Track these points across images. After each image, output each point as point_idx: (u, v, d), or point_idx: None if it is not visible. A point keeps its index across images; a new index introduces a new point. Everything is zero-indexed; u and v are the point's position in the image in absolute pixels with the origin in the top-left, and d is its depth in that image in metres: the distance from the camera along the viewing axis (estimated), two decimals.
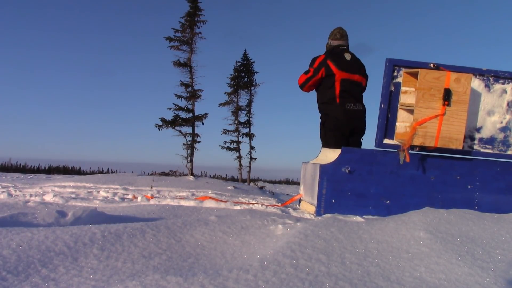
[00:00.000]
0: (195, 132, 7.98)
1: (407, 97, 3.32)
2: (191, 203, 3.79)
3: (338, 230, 2.23)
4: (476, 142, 3.44)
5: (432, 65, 3.26)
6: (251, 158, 10.05)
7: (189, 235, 2.24)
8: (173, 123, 7.86)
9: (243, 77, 10.30)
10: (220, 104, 10.20)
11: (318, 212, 3.29)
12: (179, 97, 8.10)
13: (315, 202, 3.37)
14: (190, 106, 8.07)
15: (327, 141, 4.12)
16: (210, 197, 4.18)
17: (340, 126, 3.97)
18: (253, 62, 10.45)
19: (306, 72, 4.12)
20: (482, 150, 3.44)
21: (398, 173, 3.37)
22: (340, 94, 3.96)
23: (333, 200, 3.32)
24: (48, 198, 4.01)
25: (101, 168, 17.04)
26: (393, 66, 3.33)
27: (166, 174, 7.40)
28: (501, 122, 3.44)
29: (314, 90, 4.21)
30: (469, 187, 3.41)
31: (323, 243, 2.00)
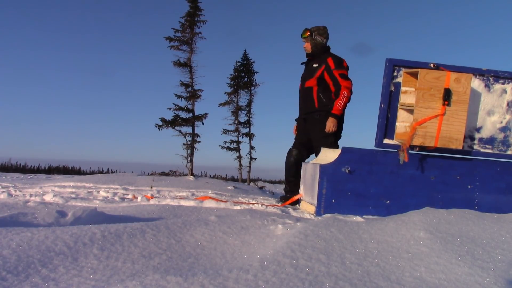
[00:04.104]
0: (195, 132, 7.98)
1: (407, 97, 3.32)
2: (191, 203, 3.78)
3: (338, 230, 2.23)
4: (476, 142, 3.44)
5: (432, 65, 3.26)
6: (251, 158, 10.06)
7: (189, 235, 2.24)
8: (173, 123, 7.86)
9: (243, 77, 10.31)
10: (220, 104, 10.21)
11: (318, 212, 3.29)
12: (179, 97, 8.10)
13: (315, 202, 3.37)
14: (190, 106, 8.07)
15: (336, 142, 4.20)
16: (210, 197, 4.18)
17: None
18: (253, 62, 10.46)
19: (347, 75, 4.16)
20: (482, 150, 3.44)
21: (398, 173, 3.37)
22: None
23: (333, 200, 3.32)
24: (48, 198, 4.00)
25: (101, 168, 17.06)
26: (393, 66, 3.34)
27: (166, 174, 7.39)
28: (501, 122, 3.44)
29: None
30: (469, 187, 3.41)
31: (323, 243, 2.00)
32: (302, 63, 4.51)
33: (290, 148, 4.53)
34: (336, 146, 4.14)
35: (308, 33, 4.27)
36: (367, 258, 1.86)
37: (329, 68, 4.13)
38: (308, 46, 4.31)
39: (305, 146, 4.43)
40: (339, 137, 4.26)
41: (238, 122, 10.16)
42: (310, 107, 4.25)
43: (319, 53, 4.28)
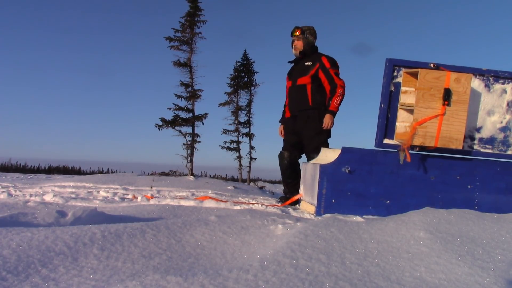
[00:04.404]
0: (195, 132, 7.98)
1: (407, 97, 3.32)
2: (191, 203, 3.78)
3: (338, 230, 2.23)
4: (476, 142, 3.44)
5: (432, 65, 3.26)
6: (251, 158, 10.05)
7: (189, 235, 2.24)
8: (173, 123, 7.86)
9: (243, 77, 10.30)
10: (220, 104, 10.20)
11: (318, 212, 3.29)
12: (179, 97, 8.10)
13: (315, 202, 3.37)
14: (190, 106, 8.07)
15: (327, 141, 4.21)
16: (210, 197, 4.18)
17: None
18: (253, 62, 10.46)
19: (340, 74, 4.24)
20: (482, 150, 3.44)
21: (398, 173, 3.37)
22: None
23: (333, 200, 3.32)
24: (48, 198, 4.00)
25: (101, 168, 17.05)
26: (393, 66, 3.34)
27: (166, 174, 7.39)
28: (501, 122, 3.44)
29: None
30: (469, 187, 3.41)
31: (323, 243, 2.00)
32: (290, 62, 4.50)
33: (281, 151, 4.48)
34: (327, 145, 4.18)
35: (300, 32, 4.29)
36: (367, 258, 1.86)
37: (324, 67, 4.17)
38: (299, 44, 4.30)
39: (295, 146, 4.39)
40: (330, 135, 4.29)
41: (238, 122, 10.16)
42: (303, 104, 4.24)
43: (310, 52, 4.31)
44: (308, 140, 4.24)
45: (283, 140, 4.53)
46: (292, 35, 4.34)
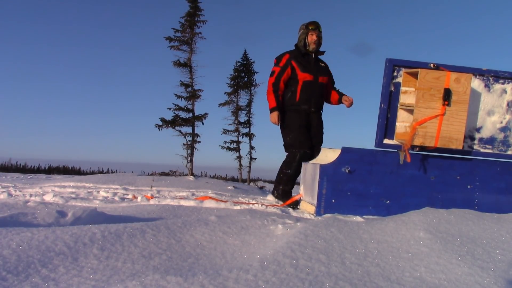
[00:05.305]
0: (195, 132, 7.99)
1: (407, 97, 3.32)
2: (191, 203, 3.78)
3: (338, 230, 2.23)
4: (476, 142, 3.44)
5: (432, 65, 3.26)
6: (251, 158, 10.07)
7: (189, 235, 2.24)
8: (173, 123, 7.87)
9: (243, 77, 10.33)
10: (220, 104, 10.23)
11: (318, 212, 3.29)
12: (179, 97, 8.11)
13: (315, 202, 3.37)
14: (190, 106, 8.09)
15: None
16: (210, 197, 4.18)
17: None
18: (253, 62, 10.48)
19: None
20: (482, 150, 3.44)
21: (398, 173, 3.37)
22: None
23: (333, 200, 3.32)
24: (48, 198, 4.00)
25: (101, 168, 17.09)
26: (393, 66, 3.34)
27: (166, 174, 7.40)
28: (501, 122, 3.44)
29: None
30: (469, 187, 3.41)
31: (323, 243, 2.00)
32: (304, 54, 4.23)
33: (299, 150, 4.12)
34: None
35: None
36: (367, 258, 1.86)
37: (331, 74, 4.40)
38: (319, 41, 4.21)
39: (310, 144, 4.22)
40: None
41: (238, 122, 10.18)
42: (321, 102, 4.34)
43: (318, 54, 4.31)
44: (317, 139, 4.30)
45: (297, 135, 4.15)
46: (315, 29, 4.16)
